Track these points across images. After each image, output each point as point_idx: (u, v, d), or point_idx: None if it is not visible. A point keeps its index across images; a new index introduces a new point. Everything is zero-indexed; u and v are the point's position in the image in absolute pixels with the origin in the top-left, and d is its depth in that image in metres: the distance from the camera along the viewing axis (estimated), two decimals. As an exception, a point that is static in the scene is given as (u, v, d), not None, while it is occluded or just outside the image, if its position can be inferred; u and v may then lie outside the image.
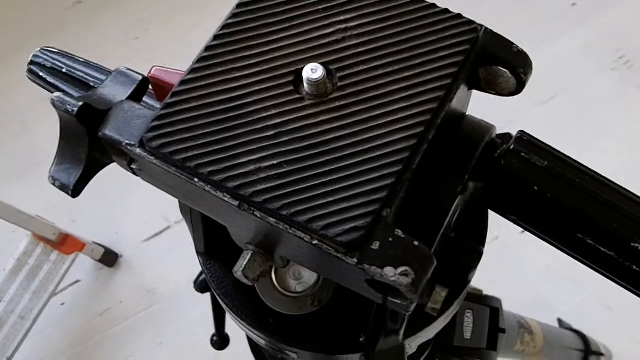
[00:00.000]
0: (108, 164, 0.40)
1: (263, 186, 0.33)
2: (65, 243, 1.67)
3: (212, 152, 0.34)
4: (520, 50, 0.37)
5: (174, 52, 2.02)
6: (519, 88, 0.38)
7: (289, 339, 0.49)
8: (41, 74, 0.60)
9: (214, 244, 0.51)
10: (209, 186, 0.34)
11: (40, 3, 2.25)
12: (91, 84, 0.53)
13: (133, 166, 0.37)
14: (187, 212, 0.48)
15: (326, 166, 0.33)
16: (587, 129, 1.86)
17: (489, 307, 0.87)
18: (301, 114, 0.35)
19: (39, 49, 0.61)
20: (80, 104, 0.35)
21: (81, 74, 0.56)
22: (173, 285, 1.78)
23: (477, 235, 0.49)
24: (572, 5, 2.06)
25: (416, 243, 0.32)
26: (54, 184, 0.39)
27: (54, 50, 0.60)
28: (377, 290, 0.33)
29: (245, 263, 0.38)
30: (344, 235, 0.32)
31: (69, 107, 0.35)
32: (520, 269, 1.72)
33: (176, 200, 1.57)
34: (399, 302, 0.33)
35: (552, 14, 2.06)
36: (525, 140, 0.43)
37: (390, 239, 0.32)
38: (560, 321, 1.51)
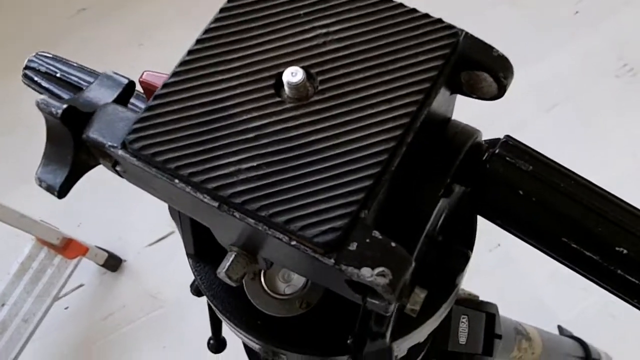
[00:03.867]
0: (94, 166, 0.40)
1: (242, 187, 0.33)
2: (68, 247, 1.67)
3: (192, 154, 0.34)
4: (501, 55, 0.37)
5: (178, 58, 2.03)
6: (500, 92, 0.38)
7: (277, 340, 0.49)
8: (36, 78, 0.61)
9: (203, 247, 0.52)
10: (189, 187, 0.34)
11: (45, 11, 2.26)
12: (84, 88, 0.53)
13: (117, 168, 0.38)
14: (176, 215, 0.49)
15: (305, 168, 0.34)
16: (591, 136, 1.86)
17: (484, 313, 0.87)
18: (281, 117, 0.35)
19: (34, 53, 0.61)
20: (65, 106, 0.36)
21: (75, 79, 0.57)
22: (176, 289, 1.79)
23: (466, 239, 0.50)
24: (575, 14, 2.07)
25: (393, 244, 0.32)
26: (40, 185, 0.39)
27: (48, 55, 0.61)
28: (356, 290, 0.34)
29: (228, 264, 0.38)
30: (321, 235, 0.32)
31: (53, 109, 0.36)
32: (523, 276, 1.72)
33: None
34: (377, 302, 0.34)
35: (555, 22, 2.06)
36: (510, 144, 0.43)
37: (368, 240, 0.32)
38: (560, 328, 1.51)
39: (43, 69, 0.59)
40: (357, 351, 0.48)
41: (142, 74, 0.52)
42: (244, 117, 0.35)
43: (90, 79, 0.54)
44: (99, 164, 0.40)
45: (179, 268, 1.80)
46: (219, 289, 0.51)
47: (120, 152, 0.35)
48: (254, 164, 0.34)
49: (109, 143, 0.36)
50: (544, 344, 1.12)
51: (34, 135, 2.06)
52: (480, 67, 0.37)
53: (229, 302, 0.51)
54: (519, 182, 0.42)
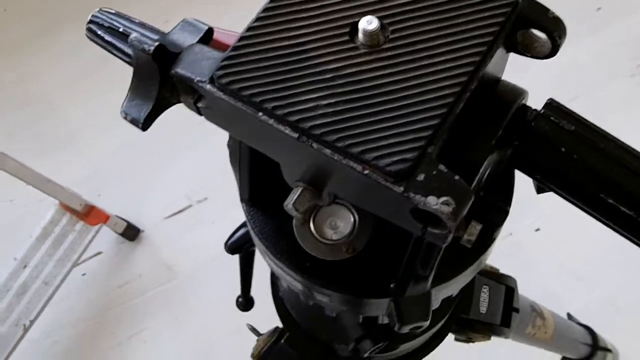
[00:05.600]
0: (174, 103, 0.44)
1: (321, 121, 0.37)
2: (90, 214, 1.71)
3: (275, 90, 0.38)
4: (556, 16, 0.41)
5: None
6: (553, 51, 0.42)
7: (324, 281, 0.53)
8: (99, 32, 0.63)
9: (257, 193, 0.55)
10: (272, 120, 0.38)
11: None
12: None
13: (199, 104, 0.41)
14: (236, 160, 0.52)
15: (378, 106, 0.37)
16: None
17: (504, 285, 0.91)
18: (356, 61, 0.39)
19: (97, 9, 0.64)
20: (157, 44, 0.39)
21: (137, 34, 0.60)
22: (191, 262, 1.82)
23: (505, 196, 0.53)
24: (597, 10, 2.09)
25: (457, 177, 0.36)
26: (125, 118, 0.43)
27: (111, 10, 0.64)
28: (418, 219, 0.37)
29: (295, 197, 0.42)
30: (393, 165, 0.36)
31: (145, 46, 0.39)
32: (533, 266, 1.74)
33: (198, 180, 1.64)
34: (437, 231, 0.37)
35: (576, 16, 2.08)
36: (554, 106, 0.47)
37: (434, 172, 0.36)
38: (569, 316, 1.54)
39: (106, 23, 0.62)
40: (400, 294, 0.52)
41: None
42: (322, 60, 0.38)
43: (151, 34, 0.57)
44: (179, 101, 0.43)
45: (194, 241, 1.84)
46: (270, 233, 0.55)
47: (208, 86, 0.39)
48: (332, 100, 0.37)
49: (198, 78, 0.39)
50: (556, 326, 1.15)
51: (55, 111, 2.11)
52: (537, 26, 0.41)
53: (280, 245, 0.54)
54: (561, 140, 0.46)
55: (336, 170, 0.38)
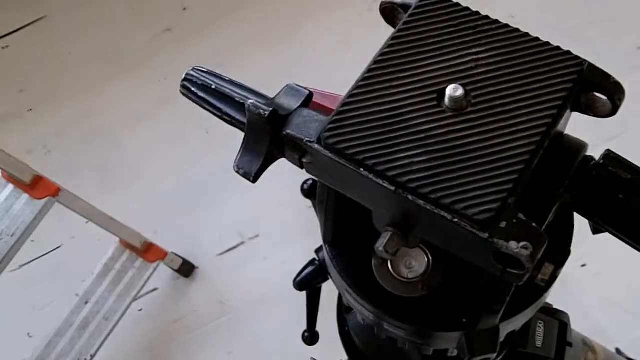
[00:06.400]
0: (279, 158, 0.50)
1: (415, 175, 0.43)
2: (149, 251, 1.78)
3: (375, 149, 0.44)
4: (617, 81, 0.47)
5: (257, 78, 2.15)
6: (613, 111, 0.48)
7: (400, 315, 0.58)
8: (193, 89, 0.70)
9: (339, 236, 0.61)
10: (372, 174, 0.44)
11: (131, 30, 2.40)
12: (236, 98, 0.63)
13: (304, 159, 0.48)
14: (323, 206, 0.58)
15: (465, 162, 0.43)
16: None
17: (558, 321, 0.95)
18: (444, 122, 0.45)
19: (191, 68, 0.71)
20: (271, 109, 0.46)
21: (227, 90, 0.66)
22: (244, 297, 1.88)
23: (566, 236, 0.58)
24: (638, 49, 2.13)
25: (534, 225, 0.42)
26: (238, 172, 0.49)
27: (204, 69, 0.71)
28: (499, 261, 0.43)
29: (386, 241, 0.48)
30: (480, 214, 0.41)
31: (262, 111, 0.46)
32: (580, 301, 1.76)
33: (250, 218, 1.73)
34: (515, 272, 0.43)
35: (616, 55, 2.12)
36: (612, 156, 0.52)
37: (514, 220, 0.42)
38: (618, 351, 1.55)
39: (200, 81, 0.68)
40: (472, 328, 0.57)
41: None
42: (415, 122, 0.45)
43: (239, 90, 0.64)
44: (284, 156, 0.50)
45: (247, 277, 1.90)
46: (350, 271, 0.61)
47: (316, 146, 0.45)
48: (424, 157, 0.44)
49: (307, 139, 0.46)
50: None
51: (118, 148, 2.21)
52: (600, 90, 0.47)
53: (361, 282, 0.60)
54: (619, 188, 0.51)
55: (426, 218, 0.44)
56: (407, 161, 0.44)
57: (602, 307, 1.74)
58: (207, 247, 1.96)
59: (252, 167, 0.49)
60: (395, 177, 0.43)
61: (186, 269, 1.91)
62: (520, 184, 0.43)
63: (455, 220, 0.42)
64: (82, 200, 1.60)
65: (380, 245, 0.48)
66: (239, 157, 0.49)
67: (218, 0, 2.42)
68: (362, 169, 0.44)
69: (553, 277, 0.58)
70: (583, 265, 1.79)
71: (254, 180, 0.49)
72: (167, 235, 1.94)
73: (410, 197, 0.43)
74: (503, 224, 0.42)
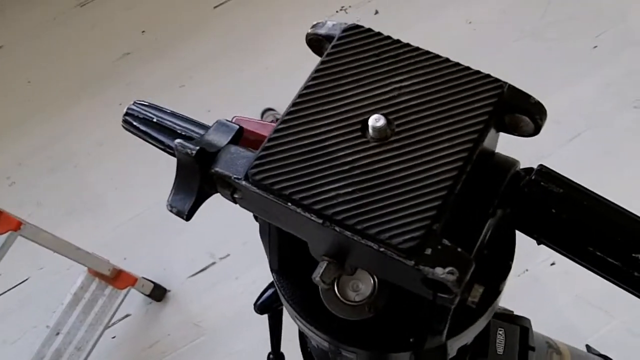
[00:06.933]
0: (212, 194, 0.50)
1: (341, 208, 0.44)
2: (118, 278, 1.77)
3: (301, 183, 0.45)
4: (537, 101, 0.48)
5: (218, 98, 2.16)
6: (536, 130, 0.49)
7: (349, 339, 0.59)
8: (135, 123, 0.70)
9: (285, 264, 0.62)
10: (300, 208, 0.44)
11: (90, 55, 2.40)
12: (177, 130, 0.64)
13: (235, 195, 0.48)
14: (266, 235, 0.59)
15: (389, 192, 0.44)
16: (612, 164, 1.93)
17: (519, 326, 0.96)
18: (368, 153, 0.45)
19: (132, 102, 0.71)
20: (198, 148, 0.47)
21: (169, 123, 0.67)
22: (218, 318, 1.88)
23: (507, 252, 0.59)
24: (593, 48, 2.16)
25: (459, 249, 0.42)
26: (171, 211, 0.50)
27: (144, 102, 0.71)
28: (428, 287, 0.43)
29: (322, 271, 0.48)
30: (404, 243, 0.42)
31: (189, 150, 0.47)
32: (550, 300, 1.79)
33: (220, 238, 1.74)
34: (446, 296, 0.43)
35: (574, 56, 2.16)
36: (544, 172, 0.53)
37: (439, 247, 0.42)
38: (588, 347, 1.57)
39: (141, 115, 0.69)
40: (419, 347, 0.58)
41: (232, 118, 0.62)
42: (340, 154, 0.45)
43: (181, 122, 0.64)
44: (217, 192, 0.50)
45: (219, 297, 1.90)
46: (299, 298, 0.61)
47: (243, 182, 0.46)
48: (349, 189, 0.44)
49: (234, 176, 0.46)
50: (574, 359, 1.20)
51: (81, 174, 2.19)
52: (521, 111, 0.48)
53: (308, 309, 0.60)
54: (552, 202, 0.52)
55: (356, 247, 0.45)
56: (333, 194, 0.44)
57: (572, 304, 1.76)
58: (178, 270, 1.96)
59: (184, 205, 0.49)
60: (321, 210, 0.44)
61: (158, 293, 1.91)
62: (444, 210, 0.44)
63: (382, 249, 0.43)
64: (46, 232, 1.59)
65: (317, 275, 0.48)
66: (171, 195, 0.50)
67: (176, 21, 2.42)
68: (289, 204, 0.45)
69: (495, 292, 0.59)
70: (552, 264, 1.81)
71: (187, 218, 0.50)
72: (136, 260, 1.94)
73: (337, 228, 0.44)
74: (428, 251, 0.42)
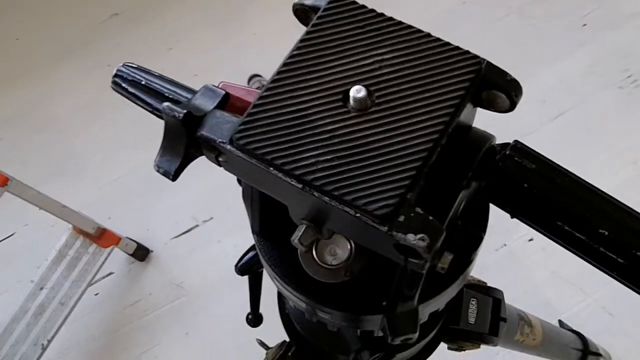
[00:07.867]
0: (198, 156, 0.52)
1: (320, 174, 0.46)
2: (102, 237, 1.79)
3: (283, 149, 0.47)
4: (513, 79, 0.50)
5: (205, 63, 2.16)
6: (511, 107, 0.51)
7: (325, 301, 0.61)
8: (123, 85, 0.71)
9: (266, 226, 0.64)
10: (281, 173, 0.46)
11: (78, 15, 2.38)
12: (165, 93, 0.65)
13: (220, 159, 0.50)
14: (249, 198, 0.61)
15: (366, 161, 0.46)
16: (594, 144, 1.96)
17: (491, 298, 0.99)
18: (348, 123, 0.47)
19: (122, 64, 0.73)
20: (185, 111, 0.48)
21: (157, 86, 0.68)
22: (199, 279, 1.90)
23: (480, 224, 0.62)
24: (583, 26, 2.17)
25: (431, 218, 0.44)
26: (158, 171, 0.52)
27: (134, 65, 0.72)
28: (400, 252, 0.46)
29: (300, 234, 0.50)
30: (379, 210, 0.44)
31: (176, 113, 0.48)
32: (527, 275, 1.82)
33: (204, 201, 1.76)
34: (416, 261, 0.46)
35: (562, 33, 2.17)
36: (518, 147, 0.55)
37: (412, 214, 0.44)
38: (561, 322, 1.61)
39: (130, 77, 0.70)
40: (391, 311, 0.60)
41: (219, 84, 0.64)
42: (321, 122, 0.47)
43: (168, 85, 0.66)
44: (202, 155, 0.52)
45: (202, 259, 1.92)
46: (278, 260, 0.64)
47: (228, 146, 0.48)
48: (329, 157, 0.46)
49: (220, 140, 0.48)
50: (545, 332, 1.23)
51: (67, 136, 2.20)
52: (497, 88, 0.50)
53: (287, 271, 0.63)
54: (524, 177, 0.54)
55: (333, 212, 0.47)
56: (312, 160, 0.46)
57: (548, 280, 1.80)
58: (162, 231, 1.98)
59: (171, 167, 0.51)
60: (301, 175, 0.46)
61: (141, 253, 1.93)
62: (418, 180, 0.46)
63: (358, 215, 0.45)
64: (32, 189, 1.60)
65: (295, 238, 0.51)
66: (158, 157, 0.51)
67: (166, -17, 2.41)
68: (271, 168, 0.47)
69: (467, 261, 0.61)
70: (530, 240, 1.84)
71: (174, 179, 0.51)
72: (120, 220, 1.95)
73: (316, 194, 0.46)
74: (401, 218, 0.44)
